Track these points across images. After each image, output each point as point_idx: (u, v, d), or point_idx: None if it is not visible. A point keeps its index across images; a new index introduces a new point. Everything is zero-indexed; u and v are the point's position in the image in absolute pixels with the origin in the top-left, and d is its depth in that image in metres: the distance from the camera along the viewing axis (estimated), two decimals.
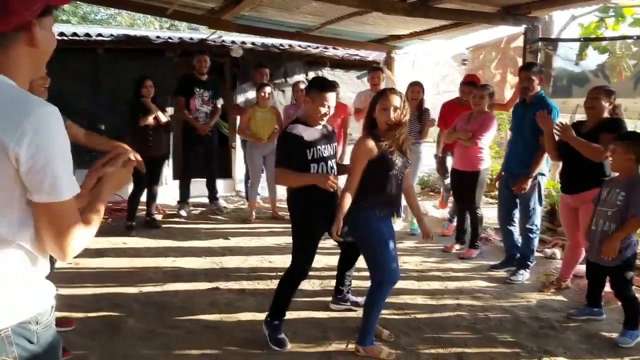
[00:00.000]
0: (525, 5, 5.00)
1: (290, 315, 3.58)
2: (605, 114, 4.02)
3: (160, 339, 3.39)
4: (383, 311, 3.69)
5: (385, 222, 3.24)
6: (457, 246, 5.54)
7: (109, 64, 7.12)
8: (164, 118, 5.86)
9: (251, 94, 6.62)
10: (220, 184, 7.44)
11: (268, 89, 6.26)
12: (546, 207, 6.57)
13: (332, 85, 3.30)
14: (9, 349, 1.31)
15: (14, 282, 1.32)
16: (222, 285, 4.39)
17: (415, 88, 5.82)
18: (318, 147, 3.29)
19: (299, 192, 3.36)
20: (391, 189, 3.16)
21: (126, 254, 5.17)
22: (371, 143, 3.08)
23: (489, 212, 6.68)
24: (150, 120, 5.69)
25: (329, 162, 3.35)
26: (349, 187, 3.12)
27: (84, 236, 1.35)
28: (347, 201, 3.09)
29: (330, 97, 3.26)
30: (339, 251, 3.89)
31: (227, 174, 8.10)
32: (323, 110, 3.26)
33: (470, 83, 5.65)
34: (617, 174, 3.66)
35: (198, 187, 7.02)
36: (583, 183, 4.00)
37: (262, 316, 3.46)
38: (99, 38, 7.17)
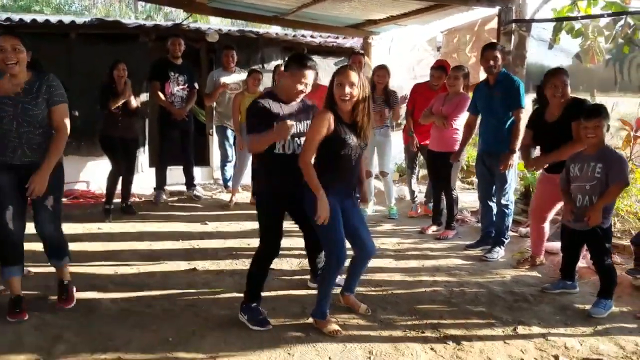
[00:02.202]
0: None
1: (269, 293, 3.59)
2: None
3: (137, 317, 3.35)
4: (360, 288, 3.75)
5: (345, 202, 3.22)
6: (434, 227, 5.59)
7: (83, 48, 6.98)
8: (134, 103, 5.79)
9: (222, 79, 6.59)
10: (198, 171, 7.38)
11: (259, 75, 6.23)
12: (520, 189, 6.69)
13: (311, 63, 3.22)
14: None
15: None
16: (200, 265, 4.37)
17: (381, 72, 5.79)
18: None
19: (261, 168, 3.32)
20: (345, 168, 3.14)
21: (100, 238, 5.10)
22: (329, 115, 3.03)
23: (465, 197, 6.77)
24: (120, 103, 5.62)
25: (296, 139, 3.24)
26: (307, 158, 3.03)
27: None
28: (314, 174, 3.03)
29: (309, 74, 3.19)
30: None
31: (204, 161, 8.04)
32: (300, 87, 3.20)
33: (440, 67, 5.70)
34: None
35: (175, 175, 6.96)
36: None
37: (240, 296, 3.42)
38: (72, 23, 7.03)
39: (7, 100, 3.12)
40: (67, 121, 3.30)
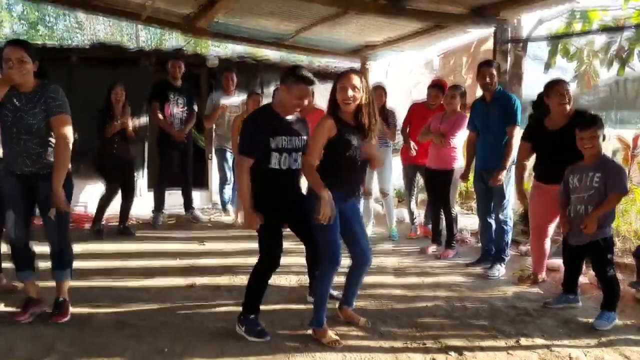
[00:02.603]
0: (493, 5, 5.14)
1: (267, 307, 3.53)
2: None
3: (131, 329, 3.29)
4: (360, 302, 3.70)
5: (347, 204, 3.22)
6: (434, 247, 5.54)
7: (84, 72, 7.05)
8: (131, 131, 5.83)
9: (222, 101, 6.65)
10: (197, 195, 7.35)
11: (259, 97, 6.29)
12: (520, 211, 6.66)
13: (309, 78, 3.22)
14: None
15: None
16: (197, 282, 4.30)
17: (377, 92, 5.80)
18: (284, 137, 3.20)
19: (257, 182, 3.22)
20: (349, 170, 3.15)
21: (96, 256, 5.03)
22: (330, 122, 3.04)
23: (465, 221, 6.73)
24: (117, 129, 5.66)
25: (294, 154, 3.23)
26: (310, 160, 3.03)
27: None
28: (315, 174, 3.03)
29: (307, 88, 3.20)
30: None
31: (203, 185, 8.03)
32: (296, 101, 3.20)
33: (436, 86, 5.74)
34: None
35: (173, 199, 6.94)
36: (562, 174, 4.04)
37: (238, 309, 3.35)
38: (73, 46, 7.13)
39: (9, 106, 3.14)
40: (68, 131, 3.25)
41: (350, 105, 3.03)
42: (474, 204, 7.13)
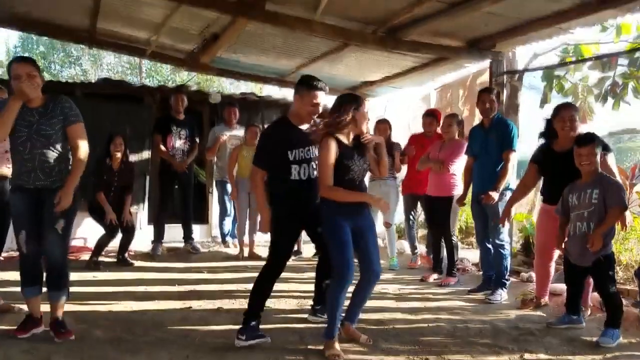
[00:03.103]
0: (489, 37, 5.30)
1: (266, 326, 3.48)
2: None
3: (129, 344, 3.24)
4: (360, 324, 3.63)
5: (364, 219, 3.24)
6: (435, 275, 5.50)
7: (88, 107, 7.11)
8: (128, 215, 5.90)
9: (225, 133, 6.76)
10: (197, 229, 7.34)
11: (256, 129, 6.39)
12: (520, 241, 6.65)
13: (321, 84, 3.31)
14: None
15: None
16: (195, 305, 4.25)
17: (382, 126, 5.95)
18: (301, 148, 3.28)
19: (278, 191, 3.34)
20: (352, 190, 3.18)
21: (94, 283, 4.99)
22: (334, 143, 3.09)
23: (466, 254, 6.69)
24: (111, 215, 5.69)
25: (312, 163, 3.31)
26: (326, 184, 3.08)
27: None
28: (344, 192, 3.11)
29: (319, 95, 3.29)
30: (314, 274, 3.88)
31: (203, 219, 8.03)
32: (310, 107, 3.28)
33: (429, 114, 5.88)
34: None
35: (173, 233, 6.94)
36: None
37: (237, 328, 3.31)
38: (78, 81, 7.29)
39: (23, 122, 3.16)
40: (85, 139, 3.30)
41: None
42: (474, 239, 7.12)
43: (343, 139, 3.16)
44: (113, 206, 5.71)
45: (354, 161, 3.15)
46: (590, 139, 3.66)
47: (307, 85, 3.29)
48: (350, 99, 3.19)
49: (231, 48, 6.18)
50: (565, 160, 4.01)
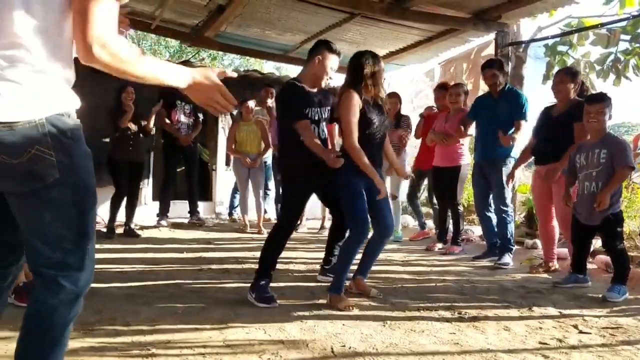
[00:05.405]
0: (495, 8, 5.31)
1: (277, 284, 3.54)
2: (572, 95, 4.21)
3: (143, 298, 3.28)
4: (369, 282, 3.67)
5: (371, 181, 3.26)
6: (439, 245, 5.55)
7: (93, 80, 7.13)
8: (151, 124, 5.91)
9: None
10: (201, 206, 7.37)
11: (251, 103, 6.37)
12: (523, 212, 6.72)
13: (339, 50, 3.36)
14: (44, 139, 1.33)
15: (40, 77, 1.33)
16: (205, 267, 4.30)
17: (393, 100, 5.97)
18: (313, 108, 3.31)
19: (294, 152, 3.32)
20: (370, 147, 3.22)
21: (103, 251, 4.99)
22: (358, 97, 3.15)
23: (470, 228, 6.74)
24: (130, 123, 5.71)
25: (321, 124, 3.37)
26: (351, 141, 3.12)
27: (114, 41, 1.32)
28: (362, 156, 3.13)
29: (336, 61, 3.32)
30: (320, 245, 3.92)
31: (207, 197, 8.06)
32: (327, 70, 3.28)
33: (442, 87, 5.88)
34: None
35: (178, 209, 6.98)
36: (555, 154, 4.16)
37: (248, 285, 3.36)
38: None
39: None
40: None
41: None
42: (476, 217, 7.15)
43: (365, 95, 3.20)
44: (128, 152, 5.79)
45: (376, 115, 3.20)
46: (601, 98, 3.69)
47: (328, 48, 3.30)
48: (368, 54, 3.23)
49: (236, 21, 6.18)
50: (557, 123, 4.10)
